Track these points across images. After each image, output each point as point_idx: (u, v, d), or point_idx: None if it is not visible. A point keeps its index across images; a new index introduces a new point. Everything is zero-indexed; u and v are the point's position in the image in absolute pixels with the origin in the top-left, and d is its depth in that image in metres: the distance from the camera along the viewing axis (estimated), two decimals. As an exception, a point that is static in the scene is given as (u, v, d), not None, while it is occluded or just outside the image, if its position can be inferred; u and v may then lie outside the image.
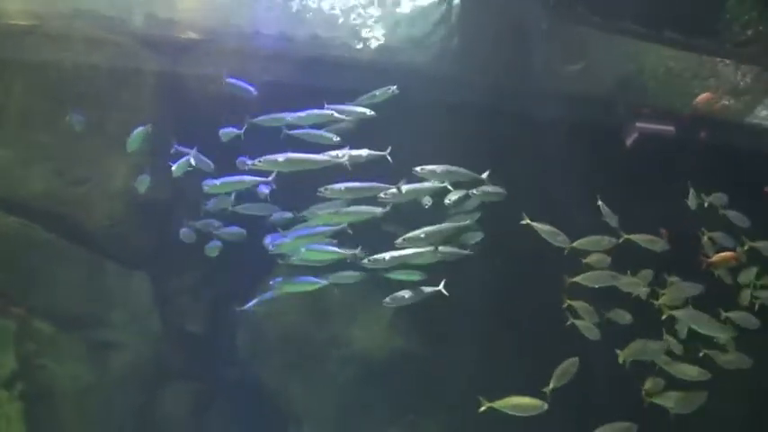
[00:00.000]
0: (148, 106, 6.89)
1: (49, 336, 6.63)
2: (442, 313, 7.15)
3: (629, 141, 7.01)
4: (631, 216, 6.19)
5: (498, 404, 5.41)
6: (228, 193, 5.92)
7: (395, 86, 5.83)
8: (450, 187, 5.81)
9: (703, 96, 6.72)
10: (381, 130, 5.75)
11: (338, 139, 5.59)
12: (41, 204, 6.64)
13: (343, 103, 5.78)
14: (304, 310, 7.41)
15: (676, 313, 5.59)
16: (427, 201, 6.03)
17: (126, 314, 7.09)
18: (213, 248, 6.22)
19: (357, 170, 5.58)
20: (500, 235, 6.35)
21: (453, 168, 5.60)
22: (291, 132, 5.59)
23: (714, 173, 6.41)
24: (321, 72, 6.47)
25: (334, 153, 5.37)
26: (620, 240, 5.80)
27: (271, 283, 5.95)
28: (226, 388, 7.57)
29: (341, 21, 6.69)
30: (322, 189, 5.30)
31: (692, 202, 6.17)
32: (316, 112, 5.64)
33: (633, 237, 5.82)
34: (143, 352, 7.17)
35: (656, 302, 5.68)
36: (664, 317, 5.61)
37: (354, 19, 6.72)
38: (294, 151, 5.34)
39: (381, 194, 5.46)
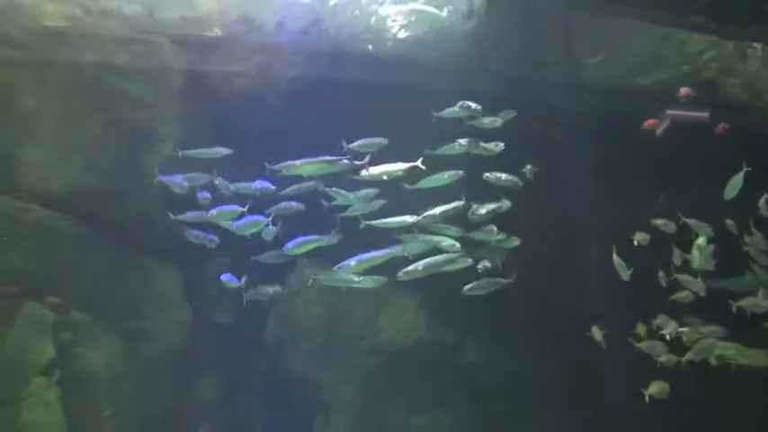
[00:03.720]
0: (177, 102, 7.45)
1: (85, 325, 7.17)
2: (467, 303, 7.56)
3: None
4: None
5: (649, 391, 6.24)
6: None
7: None
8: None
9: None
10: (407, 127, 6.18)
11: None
12: (75, 198, 7.15)
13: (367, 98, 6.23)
14: (330, 301, 7.88)
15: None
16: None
17: (157, 305, 7.65)
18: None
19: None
20: (527, 226, 6.73)
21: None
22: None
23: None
24: (346, 66, 6.86)
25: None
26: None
27: None
28: (254, 377, 8.13)
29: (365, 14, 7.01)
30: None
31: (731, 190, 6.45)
32: None
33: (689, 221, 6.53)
34: (174, 341, 7.71)
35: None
36: None
37: (379, 12, 7.06)
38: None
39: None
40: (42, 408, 6.75)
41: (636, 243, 6.55)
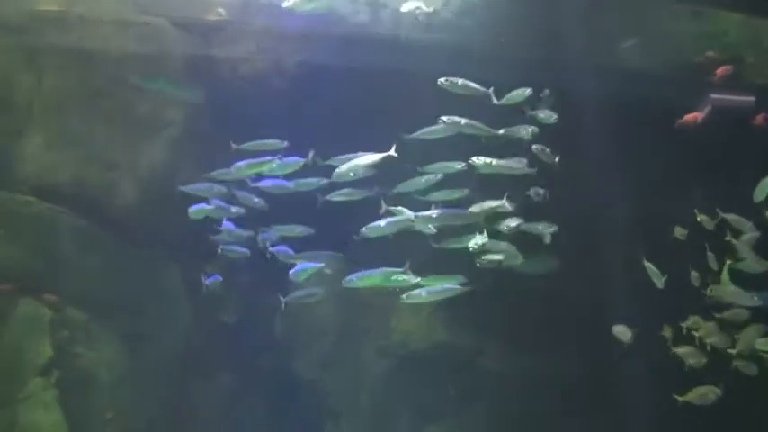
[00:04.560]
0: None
1: (82, 323, 7.04)
2: (486, 303, 7.32)
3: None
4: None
5: (688, 397, 6.12)
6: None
7: None
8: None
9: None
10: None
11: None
12: (73, 191, 6.99)
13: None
14: (341, 301, 7.67)
15: None
16: None
17: (157, 303, 7.49)
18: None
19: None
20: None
21: None
22: None
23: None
24: (358, 51, 6.59)
25: None
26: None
27: None
28: (260, 379, 7.92)
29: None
30: None
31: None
32: None
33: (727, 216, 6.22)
34: (174, 341, 7.57)
35: None
36: None
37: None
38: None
39: None
40: (41, 409, 6.68)
41: (678, 237, 6.36)
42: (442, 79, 5.66)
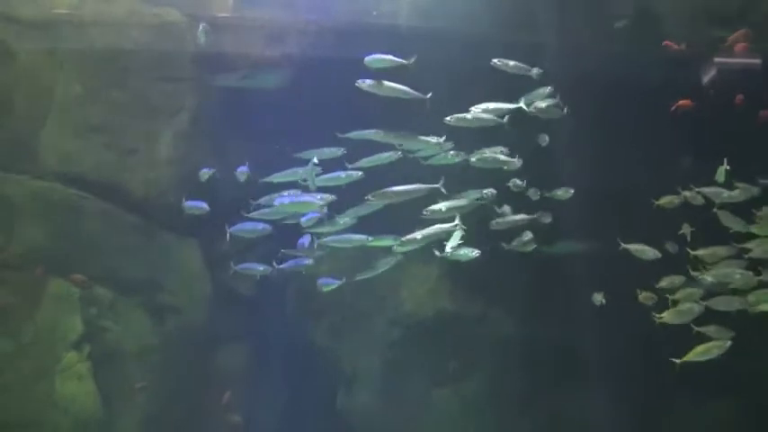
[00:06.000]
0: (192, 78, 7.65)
1: (110, 301, 7.53)
2: (490, 272, 7.65)
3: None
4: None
5: (689, 357, 6.16)
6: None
7: None
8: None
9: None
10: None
11: None
12: (95, 177, 7.45)
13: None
14: (352, 272, 7.87)
15: None
16: None
17: (178, 279, 7.91)
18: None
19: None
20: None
21: None
22: None
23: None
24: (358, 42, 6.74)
25: None
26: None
27: None
28: (277, 348, 8.31)
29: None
30: None
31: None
32: None
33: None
34: (196, 314, 7.97)
35: None
36: None
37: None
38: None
39: None
40: (76, 380, 7.20)
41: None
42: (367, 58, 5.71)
